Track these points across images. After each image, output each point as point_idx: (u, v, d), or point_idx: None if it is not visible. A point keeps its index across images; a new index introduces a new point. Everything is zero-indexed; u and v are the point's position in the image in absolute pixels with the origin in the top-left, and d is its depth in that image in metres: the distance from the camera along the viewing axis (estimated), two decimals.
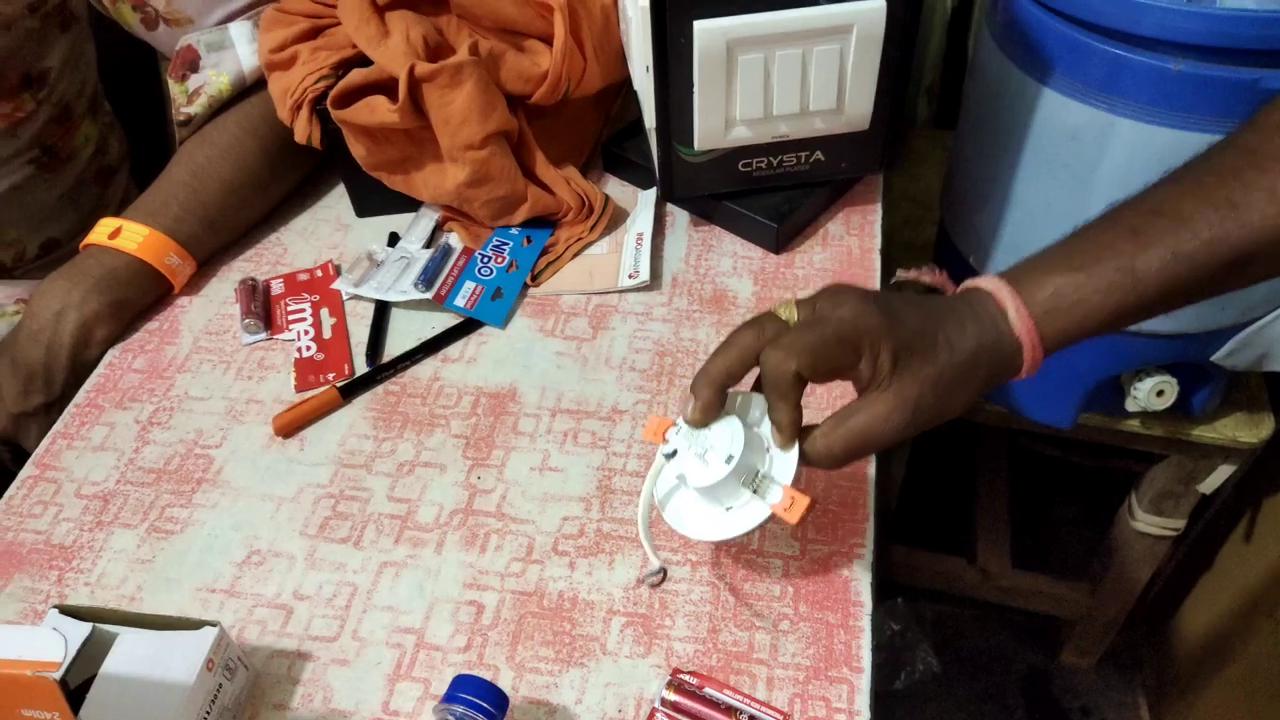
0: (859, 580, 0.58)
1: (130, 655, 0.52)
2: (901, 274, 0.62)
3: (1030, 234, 0.87)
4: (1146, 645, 1.43)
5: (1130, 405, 0.97)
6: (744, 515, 0.52)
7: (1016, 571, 1.36)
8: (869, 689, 0.54)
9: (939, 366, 0.53)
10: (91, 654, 0.52)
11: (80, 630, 0.52)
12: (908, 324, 0.53)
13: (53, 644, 0.42)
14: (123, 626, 0.53)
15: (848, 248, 0.79)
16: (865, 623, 0.56)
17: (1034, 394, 1.00)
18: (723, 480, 0.51)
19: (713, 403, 0.54)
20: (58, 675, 0.40)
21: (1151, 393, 0.94)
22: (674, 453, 0.54)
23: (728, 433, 0.52)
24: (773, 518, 0.51)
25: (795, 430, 0.51)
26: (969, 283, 0.57)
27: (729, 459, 0.51)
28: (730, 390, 0.53)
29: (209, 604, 0.60)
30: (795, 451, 0.51)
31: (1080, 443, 1.44)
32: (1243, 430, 1.01)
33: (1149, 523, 1.17)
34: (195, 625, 0.52)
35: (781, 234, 0.77)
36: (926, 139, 1.36)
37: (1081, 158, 0.80)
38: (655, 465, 0.55)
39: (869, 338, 0.52)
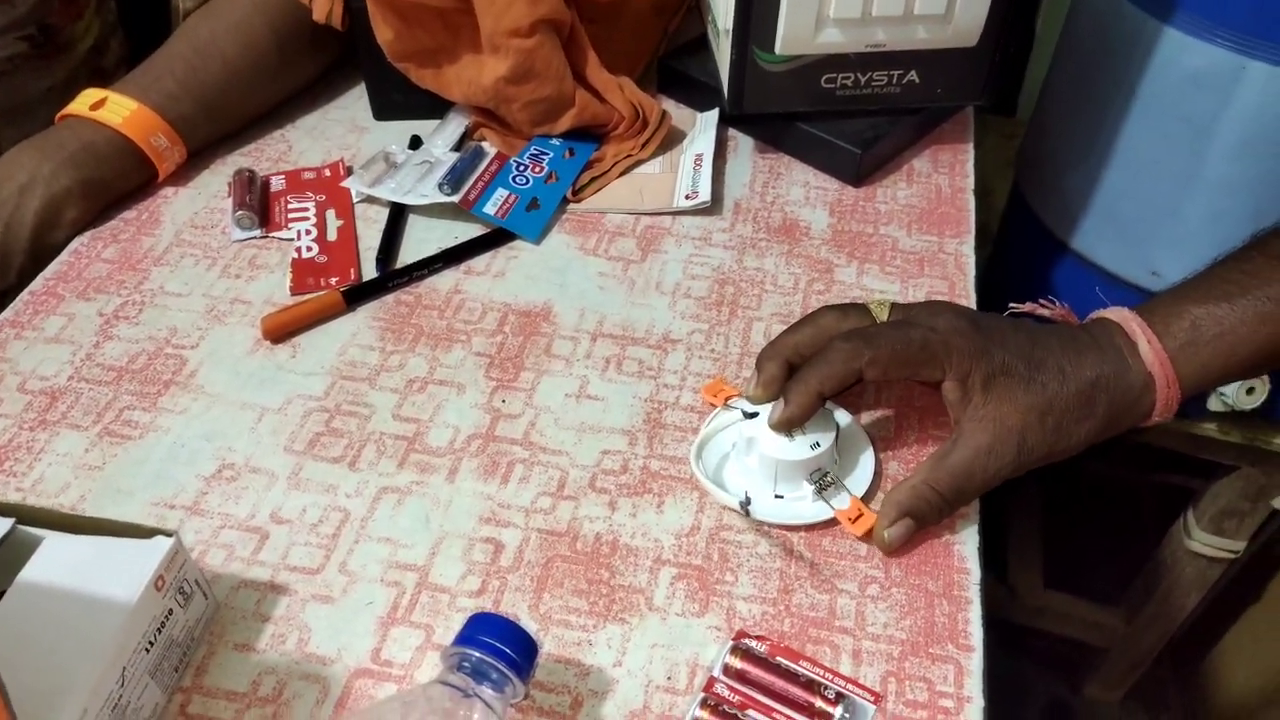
0: (964, 544, 0.48)
1: (58, 562, 0.41)
2: (1015, 307, 0.55)
3: (1131, 196, 0.78)
4: (1176, 682, 1.32)
5: (1214, 404, 0.87)
6: (796, 508, 0.49)
7: (1048, 591, 1.25)
8: (981, 671, 0.43)
9: (1047, 395, 0.46)
10: (12, 560, 0.41)
11: None
12: (1009, 348, 0.47)
13: None
14: (53, 531, 0.42)
15: (936, 185, 0.69)
16: (974, 593, 0.46)
17: None
18: (801, 462, 0.48)
19: (776, 378, 0.49)
20: None
21: (1241, 389, 0.84)
22: (755, 414, 0.49)
23: (821, 418, 0.49)
24: (832, 522, 0.49)
25: (810, 398, 0.47)
26: (1092, 315, 0.51)
27: (815, 445, 0.48)
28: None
29: (165, 521, 0.49)
30: (870, 467, 0.51)
31: (1127, 456, 1.35)
32: None
33: (1206, 543, 1.07)
34: (146, 533, 0.42)
35: (864, 162, 0.67)
36: (983, 124, 1.27)
37: (1202, 107, 0.70)
38: (725, 415, 0.52)
39: (959, 356, 0.47)
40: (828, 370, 0.46)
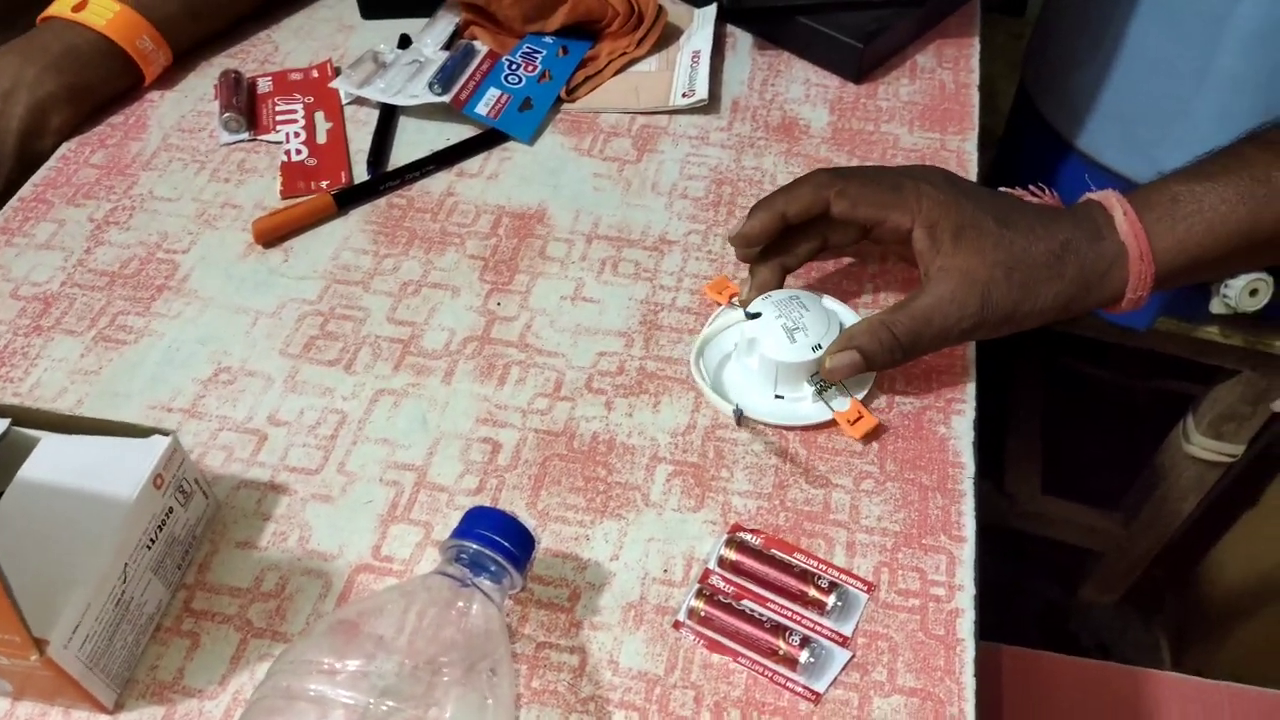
0: (959, 439, 0.48)
1: (56, 462, 0.41)
2: (1004, 190, 0.54)
3: (1140, 94, 0.76)
4: (1170, 585, 1.35)
5: (1216, 306, 0.87)
6: (795, 409, 0.49)
7: (1045, 497, 1.27)
8: (973, 561, 0.44)
9: (1014, 251, 0.46)
10: (9, 461, 0.41)
11: None
12: (982, 204, 0.47)
13: None
14: (50, 432, 0.42)
15: (940, 82, 0.67)
16: (967, 486, 0.46)
17: None
18: (803, 364, 0.48)
19: (769, 227, 0.49)
20: None
21: (1244, 291, 0.83)
22: (758, 315, 0.49)
23: (824, 321, 0.49)
24: (830, 424, 0.48)
25: (771, 217, 0.49)
26: (1079, 200, 0.50)
27: (817, 347, 0.48)
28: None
29: (164, 424, 0.49)
30: (873, 371, 0.49)
31: (1127, 364, 1.35)
32: None
33: (1205, 447, 1.08)
34: (143, 433, 0.42)
35: (865, 58, 0.65)
36: (991, 25, 1.24)
37: (1214, 2, 0.68)
38: (727, 315, 0.51)
39: (929, 202, 0.46)
40: (796, 193, 0.47)
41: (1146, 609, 1.35)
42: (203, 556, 0.44)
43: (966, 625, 0.42)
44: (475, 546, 0.38)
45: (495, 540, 0.38)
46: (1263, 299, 0.84)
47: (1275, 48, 0.69)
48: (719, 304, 0.54)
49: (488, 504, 0.46)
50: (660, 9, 0.69)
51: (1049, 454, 1.28)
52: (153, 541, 0.41)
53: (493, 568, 0.38)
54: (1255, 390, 0.98)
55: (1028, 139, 0.92)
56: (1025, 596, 1.36)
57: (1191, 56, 0.71)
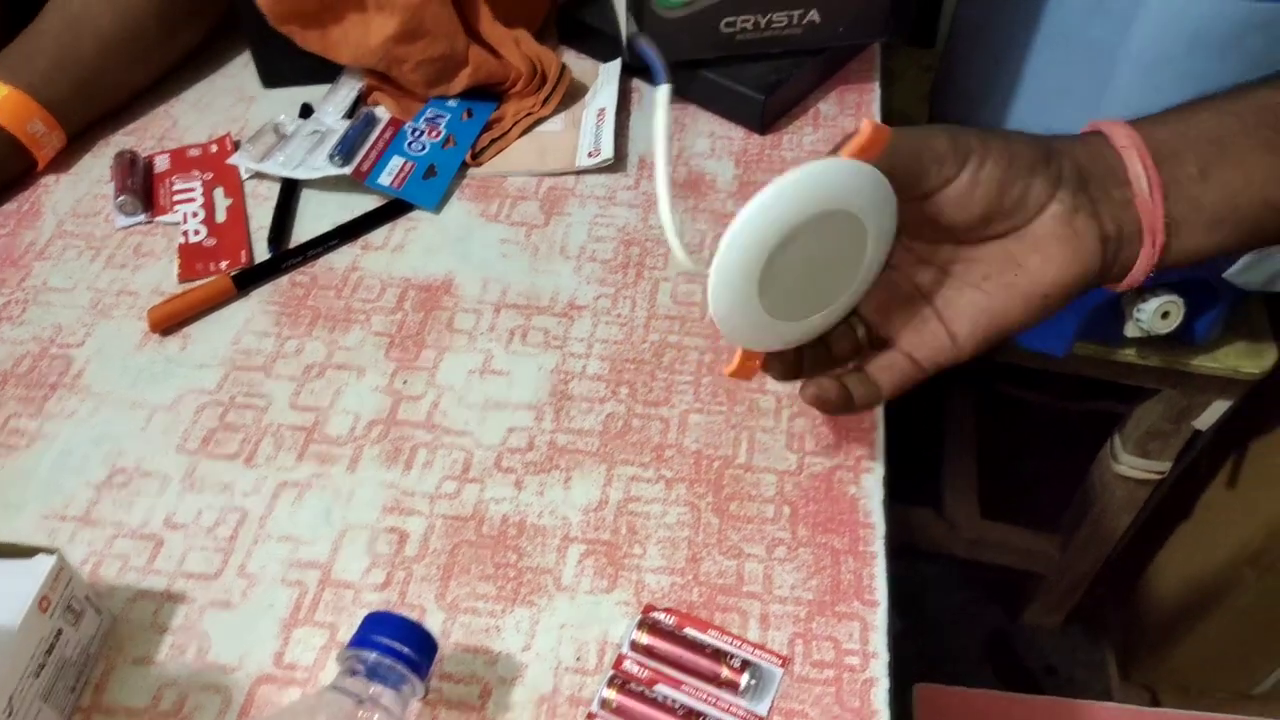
0: (869, 498, 0.48)
1: None
2: None
3: (1040, 127, 0.77)
4: (1113, 602, 1.36)
5: (1130, 330, 0.88)
6: None
7: (984, 522, 1.28)
8: (886, 626, 0.44)
9: (1006, 138, 0.42)
10: None
11: None
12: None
13: None
14: None
15: (843, 129, 0.68)
16: (878, 547, 0.46)
17: None
18: None
19: None
20: None
21: (1156, 314, 0.85)
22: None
23: None
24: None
25: None
26: None
27: None
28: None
29: (57, 534, 0.47)
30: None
31: (1057, 386, 1.37)
32: (1244, 360, 0.93)
33: (1133, 465, 1.10)
34: (26, 552, 0.40)
35: (768, 109, 0.66)
36: (902, 57, 1.26)
37: (1106, 31, 0.69)
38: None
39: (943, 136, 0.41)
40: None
41: (1092, 627, 1.36)
42: (98, 676, 0.43)
43: (881, 695, 0.42)
44: (373, 656, 0.37)
45: (393, 648, 0.37)
46: (1174, 321, 0.86)
47: (1165, 76, 0.71)
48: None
49: (395, 599, 0.45)
50: (564, 67, 0.69)
51: (987, 479, 1.30)
52: (41, 668, 0.39)
53: (392, 676, 0.37)
54: (1176, 408, 1.00)
55: None
56: (970, 623, 1.37)
57: (1086, 86, 0.73)
